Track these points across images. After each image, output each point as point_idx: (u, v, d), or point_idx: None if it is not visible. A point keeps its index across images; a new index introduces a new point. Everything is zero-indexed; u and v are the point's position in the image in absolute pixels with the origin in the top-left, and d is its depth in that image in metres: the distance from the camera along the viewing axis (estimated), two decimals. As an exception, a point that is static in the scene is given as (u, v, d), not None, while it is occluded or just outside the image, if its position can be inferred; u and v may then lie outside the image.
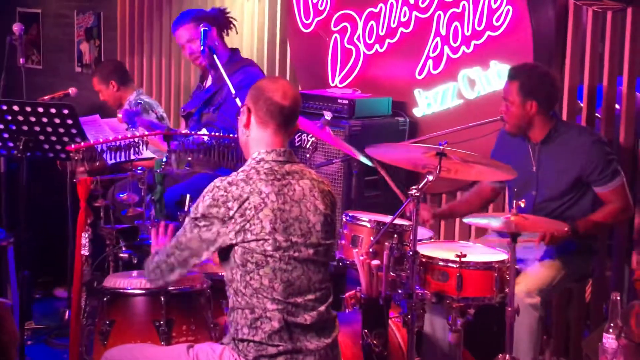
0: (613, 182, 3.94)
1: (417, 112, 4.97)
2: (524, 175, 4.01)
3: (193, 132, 4.09)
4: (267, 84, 3.02)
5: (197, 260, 2.94)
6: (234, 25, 4.97)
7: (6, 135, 4.26)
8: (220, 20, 4.90)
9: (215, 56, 4.58)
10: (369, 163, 4.14)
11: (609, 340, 2.96)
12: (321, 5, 5.31)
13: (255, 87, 3.02)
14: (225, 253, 2.91)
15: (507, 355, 3.52)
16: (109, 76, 5.58)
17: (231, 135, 3.95)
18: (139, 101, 5.43)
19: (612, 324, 2.97)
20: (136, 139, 3.83)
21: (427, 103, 4.93)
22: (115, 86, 5.56)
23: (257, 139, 2.98)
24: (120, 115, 4.55)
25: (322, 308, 2.96)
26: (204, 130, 4.13)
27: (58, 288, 5.39)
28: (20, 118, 4.17)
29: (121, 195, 3.90)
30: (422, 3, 4.86)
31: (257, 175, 2.89)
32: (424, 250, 3.57)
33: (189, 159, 4.34)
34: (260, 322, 2.87)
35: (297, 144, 4.78)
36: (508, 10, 4.55)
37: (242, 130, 3.02)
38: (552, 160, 4.00)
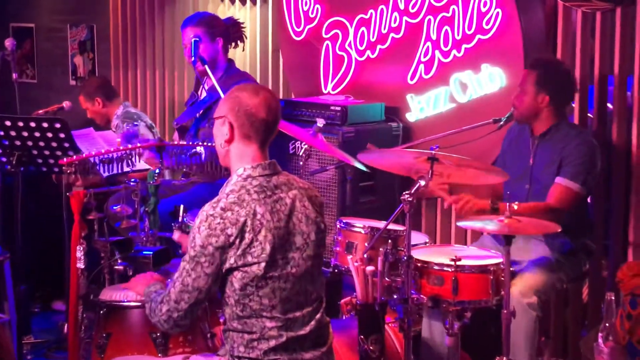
0: (569, 181, 3.90)
1: (410, 117, 4.98)
2: (521, 168, 4.05)
3: (190, 143, 4.08)
4: (248, 97, 2.87)
5: (205, 296, 2.84)
6: (243, 40, 4.95)
7: (-1, 151, 4.27)
8: (229, 32, 4.83)
9: (207, 67, 4.58)
10: (364, 168, 4.16)
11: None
12: (312, 13, 5.32)
13: (236, 100, 2.88)
14: (220, 279, 2.84)
15: (504, 358, 3.52)
16: (94, 94, 5.61)
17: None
18: (134, 123, 5.42)
19: (606, 324, 2.97)
20: (128, 151, 3.83)
21: (420, 108, 4.94)
22: (100, 103, 5.59)
23: (240, 154, 2.89)
24: (119, 140, 4.56)
25: (318, 316, 2.96)
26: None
27: (56, 301, 5.38)
28: (13, 133, 4.19)
29: (115, 208, 3.90)
30: (412, 8, 4.87)
31: (249, 195, 2.83)
32: (419, 254, 3.58)
33: (184, 169, 4.35)
34: (258, 343, 2.85)
35: (291, 152, 4.79)
36: (497, 13, 4.56)
37: (223, 144, 2.91)
38: (545, 155, 4.03)
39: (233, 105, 2.88)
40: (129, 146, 3.91)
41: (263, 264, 2.79)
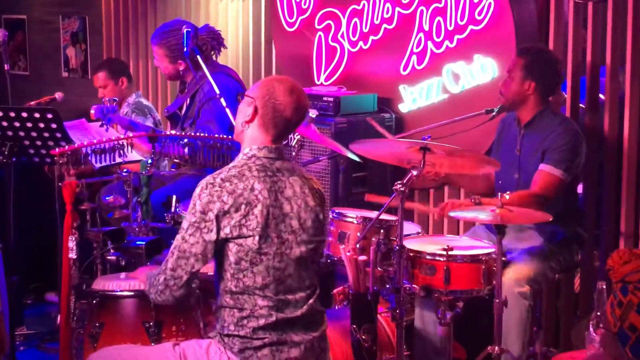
0: (552, 167, 3.90)
1: (403, 107, 4.98)
2: (510, 158, 4.06)
3: (177, 133, 4.07)
4: (282, 93, 2.92)
5: (201, 265, 2.90)
6: (221, 47, 4.87)
7: (-9, 141, 4.25)
8: (202, 43, 4.72)
9: (199, 57, 4.56)
10: (356, 158, 4.16)
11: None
12: (304, 4, 5.32)
13: (270, 90, 2.93)
14: (217, 251, 2.90)
15: (496, 347, 3.54)
16: (120, 72, 5.52)
17: (216, 135, 3.95)
18: (144, 117, 5.39)
19: (598, 313, 2.98)
20: (120, 142, 3.82)
21: (413, 98, 4.94)
22: (125, 83, 5.52)
23: (253, 138, 2.97)
24: (92, 112, 4.51)
25: (311, 301, 3.00)
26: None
27: (49, 293, 5.37)
28: (5, 123, 4.18)
29: (107, 198, 3.90)
30: (405, -1, 4.88)
31: (250, 172, 2.90)
32: (411, 244, 3.59)
33: (175, 160, 4.35)
34: (247, 321, 2.90)
35: (283, 142, 4.77)
36: (490, 3, 4.57)
37: (242, 123, 2.97)
38: (531, 144, 4.04)
39: (265, 93, 2.94)
40: (121, 136, 3.90)
41: (257, 237, 2.85)
